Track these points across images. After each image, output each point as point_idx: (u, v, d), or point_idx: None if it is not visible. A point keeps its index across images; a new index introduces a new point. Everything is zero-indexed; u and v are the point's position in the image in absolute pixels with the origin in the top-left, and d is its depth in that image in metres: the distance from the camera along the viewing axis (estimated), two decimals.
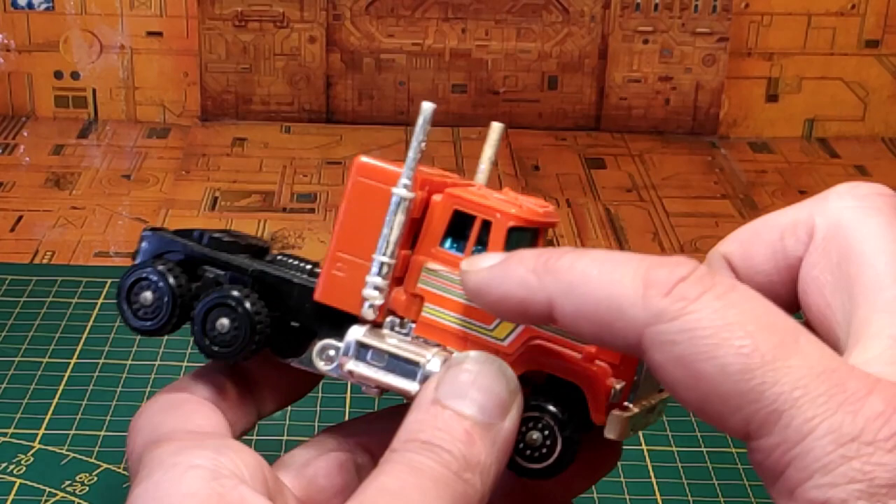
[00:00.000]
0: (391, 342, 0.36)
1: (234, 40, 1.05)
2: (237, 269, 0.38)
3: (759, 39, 1.07)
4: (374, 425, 0.39)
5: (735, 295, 0.30)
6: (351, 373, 0.36)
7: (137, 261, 0.38)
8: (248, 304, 0.37)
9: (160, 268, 0.37)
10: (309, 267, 0.38)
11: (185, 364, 0.70)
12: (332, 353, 0.37)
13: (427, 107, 0.35)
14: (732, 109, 1.08)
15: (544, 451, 0.34)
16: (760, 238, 0.37)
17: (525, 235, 0.36)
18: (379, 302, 0.36)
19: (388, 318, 0.36)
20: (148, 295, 0.37)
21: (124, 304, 0.38)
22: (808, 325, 0.34)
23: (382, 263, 0.35)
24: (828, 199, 0.35)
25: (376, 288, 0.35)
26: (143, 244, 0.39)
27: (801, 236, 0.35)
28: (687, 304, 0.29)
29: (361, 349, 0.36)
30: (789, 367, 0.28)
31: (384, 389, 0.36)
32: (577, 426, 0.34)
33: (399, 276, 0.36)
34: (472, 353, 0.34)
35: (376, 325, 0.36)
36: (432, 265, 0.36)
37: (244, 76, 1.06)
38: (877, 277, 0.32)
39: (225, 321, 0.37)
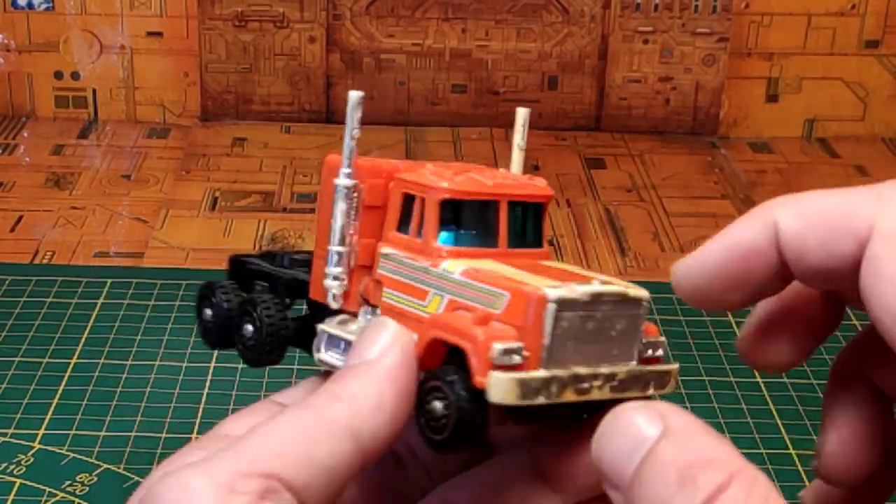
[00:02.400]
0: (351, 329, 0.36)
1: (234, 40, 1.05)
2: (274, 280, 0.40)
3: (759, 39, 1.07)
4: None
5: None
6: (321, 361, 0.37)
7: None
8: (260, 309, 0.39)
9: (219, 289, 0.40)
10: None
11: (184, 364, 0.70)
12: (315, 344, 0.38)
13: (353, 95, 0.36)
14: (732, 109, 1.08)
15: (444, 420, 0.33)
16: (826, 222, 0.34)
17: (477, 208, 0.35)
18: (337, 291, 0.37)
19: (363, 307, 0.37)
20: (208, 311, 0.40)
21: (197, 319, 0.41)
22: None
23: (333, 252, 0.36)
24: (881, 194, 0.34)
25: (334, 277, 0.36)
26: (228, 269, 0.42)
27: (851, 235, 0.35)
28: None
29: (329, 339, 0.37)
30: None
31: None
32: (476, 395, 0.32)
33: (368, 264, 0.37)
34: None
35: (352, 315, 0.37)
36: (386, 249, 0.36)
37: (244, 76, 1.06)
38: None
39: (249, 327, 0.39)
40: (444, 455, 0.34)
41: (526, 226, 0.37)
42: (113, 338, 0.72)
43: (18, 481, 0.60)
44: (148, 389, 0.68)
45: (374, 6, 1.04)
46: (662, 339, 0.35)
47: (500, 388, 0.31)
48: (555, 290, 0.32)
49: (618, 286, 0.33)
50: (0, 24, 1.04)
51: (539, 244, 0.37)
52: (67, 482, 0.60)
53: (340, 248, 0.36)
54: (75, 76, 1.05)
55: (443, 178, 0.35)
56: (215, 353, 0.71)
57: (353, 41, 1.05)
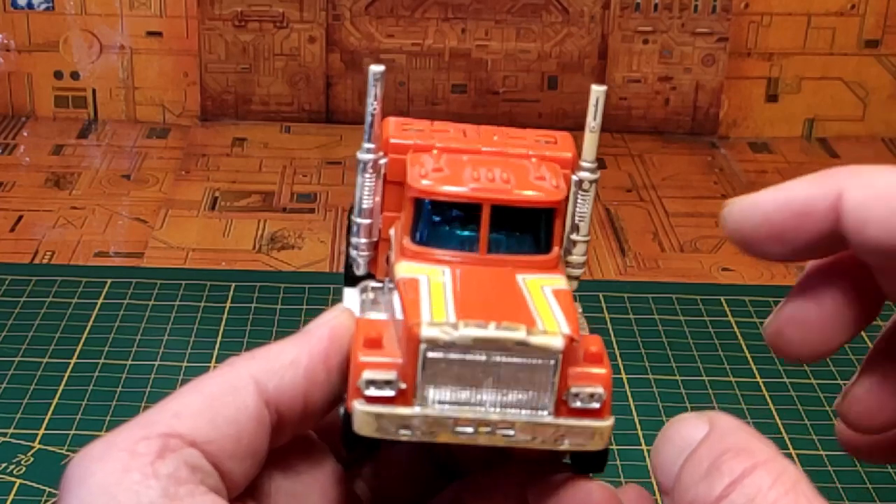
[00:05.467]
0: (354, 298, 0.36)
1: (233, 40, 1.05)
2: None
3: (758, 39, 1.07)
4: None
5: None
6: None
7: None
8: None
9: None
10: None
11: (184, 364, 0.70)
12: None
13: (373, 69, 0.35)
14: (732, 109, 1.08)
15: (343, 429, 0.32)
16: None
17: (459, 209, 0.34)
18: (361, 261, 0.36)
19: (387, 279, 0.36)
20: None
21: None
22: None
23: (355, 222, 0.36)
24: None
25: (355, 247, 0.36)
26: None
27: None
28: None
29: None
30: None
31: None
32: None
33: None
34: None
35: (380, 283, 0.37)
36: (392, 231, 0.36)
37: (244, 76, 1.06)
38: None
39: None
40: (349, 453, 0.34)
41: (523, 231, 0.35)
42: (113, 338, 0.72)
43: (18, 481, 0.60)
44: (148, 389, 0.68)
45: (374, 6, 1.04)
46: (599, 389, 0.31)
47: (357, 418, 0.31)
48: (429, 330, 0.30)
49: (517, 333, 0.30)
50: (0, 24, 1.04)
51: (539, 251, 0.35)
52: None
53: (360, 220, 0.36)
54: (75, 76, 1.05)
55: (423, 171, 0.34)
56: (215, 353, 0.71)
57: (353, 41, 1.05)
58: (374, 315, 0.35)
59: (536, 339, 0.31)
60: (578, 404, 0.32)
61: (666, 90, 1.07)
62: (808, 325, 0.35)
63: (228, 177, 0.97)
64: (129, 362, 0.70)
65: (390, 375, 0.31)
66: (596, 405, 0.32)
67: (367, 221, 0.36)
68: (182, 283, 0.79)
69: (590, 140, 0.37)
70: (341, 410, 0.32)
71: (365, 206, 0.36)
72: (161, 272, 0.81)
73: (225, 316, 0.75)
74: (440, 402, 0.31)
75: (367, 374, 0.31)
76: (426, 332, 0.30)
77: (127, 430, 0.31)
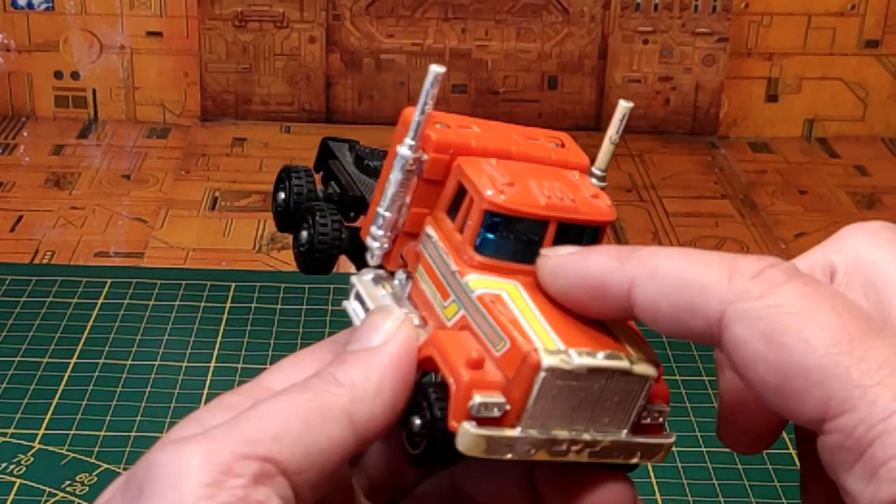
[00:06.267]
0: (379, 294, 0.36)
1: (234, 40, 1.05)
2: (344, 190, 0.40)
3: (759, 39, 1.07)
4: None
5: (821, 285, 0.30)
6: (347, 309, 0.37)
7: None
8: (317, 219, 0.38)
9: (295, 175, 0.40)
10: None
11: (184, 364, 0.70)
12: (348, 291, 0.38)
13: (433, 70, 0.35)
14: (732, 109, 1.08)
15: (418, 438, 0.33)
16: None
17: (525, 223, 0.35)
18: (377, 252, 0.36)
19: (400, 269, 0.36)
20: (281, 195, 0.40)
21: (275, 191, 0.41)
22: None
23: (379, 215, 0.36)
24: (839, 239, 0.36)
25: (374, 238, 0.36)
26: (320, 150, 0.42)
27: (822, 278, 0.36)
28: (773, 286, 0.29)
29: (357, 294, 0.37)
30: (876, 347, 0.29)
31: None
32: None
33: (415, 232, 0.36)
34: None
35: (390, 274, 0.37)
36: (430, 230, 0.36)
37: (244, 76, 1.06)
38: None
39: (304, 234, 0.39)
40: (418, 468, 0.34)
41: (574, 244, 0.35)
42: (113, 338, 0.72)
43: (18, 481, 0.60)
44: (148, 389, 0.68)
45: (374, 6, 1.04)
46: (667, 408, 0.34)
47: (466, 439, 0.31)
48: (550, 358, 0.31)
49: (623, 362, 0.32)
50: (0, 24, 1.04)
51: None
52: (67, 482, 0.60)
53: (387, 214, 0.36)
54: (75, 76, 1.05)
55: (497, 184, 0.34)
56: (215, 353, 0.71)
57: (353, 41, 1.05)
58: (409, 313, 0.35)
59: (638, 369, 0.32)
60: (648, 420, 0.34)
61: (666, 90, 1.07)
62: (740, 426, 0.36)
63: (228, 177, 0.97)
64: (129, 362, 0.70)
65: (499, 399, 0.32)
66: (661, 420, 0.34)
67: (395, 216, 0.36)
68: (182, 283, 0.79)
69: (607, 150, 0.38)
70: (416, 423, 0.33)
71: (395, 201, 0.36)
72: (161, 272, 0.81)
73: (225, 316, 0.75)
74: (543, 425, 0.32)
75: (479, 399, 0.31)
76: (547, 360, 0.31)
77: (228, 440, 0.30)
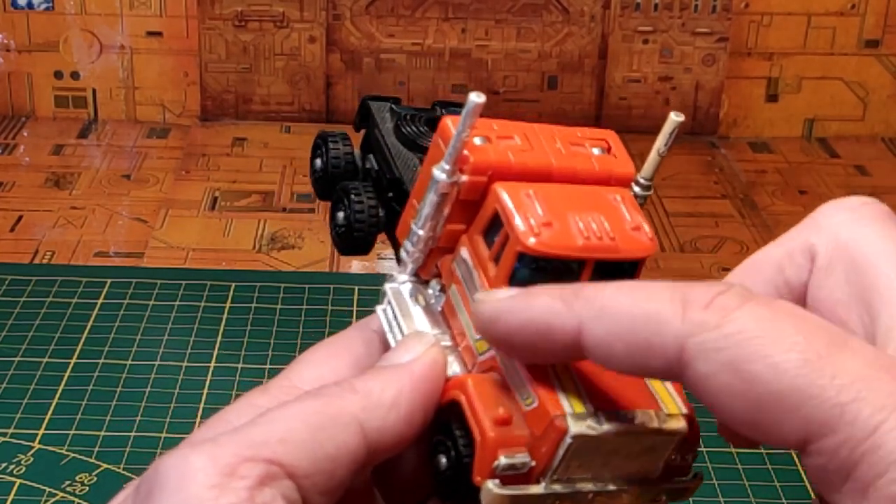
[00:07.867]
0: (411, 308, 0.36)
1: (234, 40, 1.05)
2: (381, 170, 0.39)
3: (758, 39, 1.07)
4: None
5: (777, 304, 0.29)
6: (378, 314, 0.37)
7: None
8: (352, 199, 0.38)
9: (331, 140, 0.40)
10: None
11: (184, 364, 0.70)
12: (380, 296, 0.37)
13: (473, 99, 0.33)
14: (732, 109, 1.08)
15: (446, 474, 0.33)
16: (760, 275, 0.36)
17: (560, 263, 0.33)
18: (410, 266, 0.36)
19: (434, 280, 0.36)
20: (318, 162, 0.40)
21: (312, 158, 0.41)
22: None
23: (413, 232, 0.35)
24: (818, 219, 0.35)
25: (407, 252, 0.36)
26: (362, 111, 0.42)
27: (802, 262, 0.35)
28: (728, 313, 0.28)
29: (389, 302, 0.37)
30: (845, 360, 0.27)
31: None
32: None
33: (451, 246, 0.36)
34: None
35: (424, 281, 0.36)
36: (465, 254, 0.35)
37: (244, 76, 1.06)
38: (891, 282, 0.32)
39: (340, 214, 0.38)
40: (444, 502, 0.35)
41: (613, 278, 0.34)
42: (113, 338, 0.72)
43: (18, 481, 0.60)
44: (148, 389, 0.68)
45: (374, 6, 1.04)
46: (696, 449, 0.34)
47: (489, 497, 0.32)
48: (577, 426, 0.31)
49: (653, 422, 0.32)
50: (0, 24, 1.04)
51: None
52: (67, 482, 0.60)
53: (420, 232, 0.35)
54: (75, 76, 1.05)
55: (533, 224, 0.33)
56: (215, 353, 0.71)
57: (353, 41, 1.05)
58: (442, 334, 0.35)
59: (669, 426, 0.32)
60: (678, 459, 0.34)
61: (666, 90, 1.07)
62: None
63: (228, 177, 0.97)
64: (129, 362, 0.70)
65: (524, 458, 0.32)
66: (689, 460, 0.34)
67: (429, 235, 0.35)
68: (182, 283, 0.79)
69: (654, 161, 0.38)
70: (442, 461, 0.33)
71: (430, 221, 0.35)
72: (161, 272, 0.81)
73: (225, 316, 0.75)
74: (568, 479, 0.32)
75: (505, 460, 0.32)
76: (574, 428, 0.31)
77: (233, 444, 0.30)
